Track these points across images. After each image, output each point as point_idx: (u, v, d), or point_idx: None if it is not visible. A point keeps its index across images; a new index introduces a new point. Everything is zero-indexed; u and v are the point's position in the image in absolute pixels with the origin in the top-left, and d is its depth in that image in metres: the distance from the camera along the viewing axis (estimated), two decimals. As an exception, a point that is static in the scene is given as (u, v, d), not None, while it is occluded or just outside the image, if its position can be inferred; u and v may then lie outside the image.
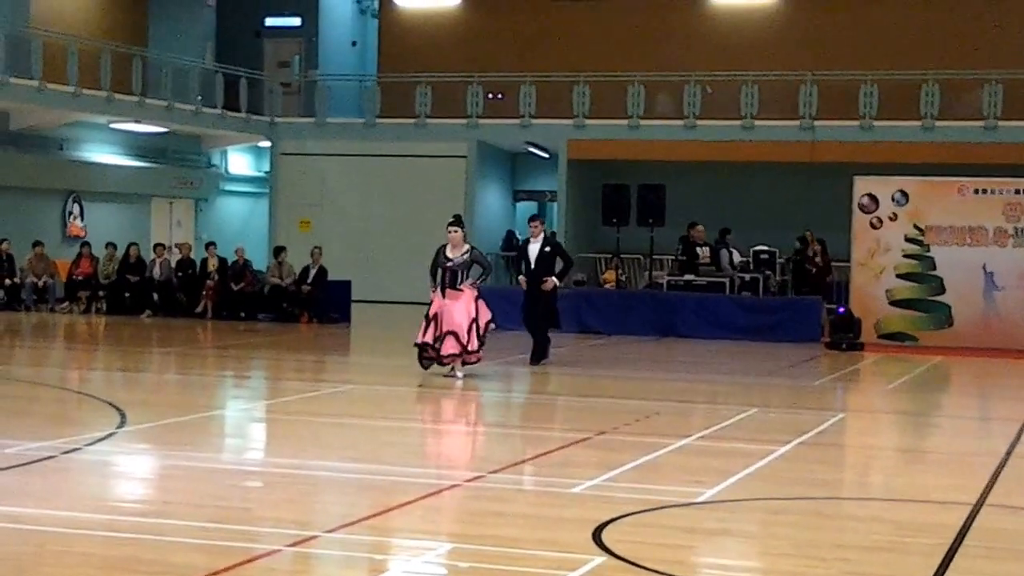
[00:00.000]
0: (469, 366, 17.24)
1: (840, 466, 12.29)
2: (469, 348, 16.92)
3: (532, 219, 19.77)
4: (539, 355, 19.14)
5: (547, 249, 19.12)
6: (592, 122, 33.70)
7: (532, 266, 19.02)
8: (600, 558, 7.69)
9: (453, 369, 17.07)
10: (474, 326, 16.97)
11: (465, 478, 10.15)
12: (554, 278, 18.98)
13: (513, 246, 34.84)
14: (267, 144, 36.80)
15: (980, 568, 7.98)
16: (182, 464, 10.62)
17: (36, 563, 7.40)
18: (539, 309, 19.14)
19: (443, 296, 17.02)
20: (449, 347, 16.92)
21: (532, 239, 19.24)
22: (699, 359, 21.93)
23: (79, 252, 29.69)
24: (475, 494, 9.79)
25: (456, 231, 17.19)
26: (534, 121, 34.19)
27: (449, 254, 17.15)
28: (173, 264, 29.33)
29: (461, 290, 16.97)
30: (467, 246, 17.24)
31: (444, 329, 16.89)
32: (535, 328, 19.30)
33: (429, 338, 17.00)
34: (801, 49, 33.99)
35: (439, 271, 17.17)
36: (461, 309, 16.93)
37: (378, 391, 16.49)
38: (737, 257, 28.08)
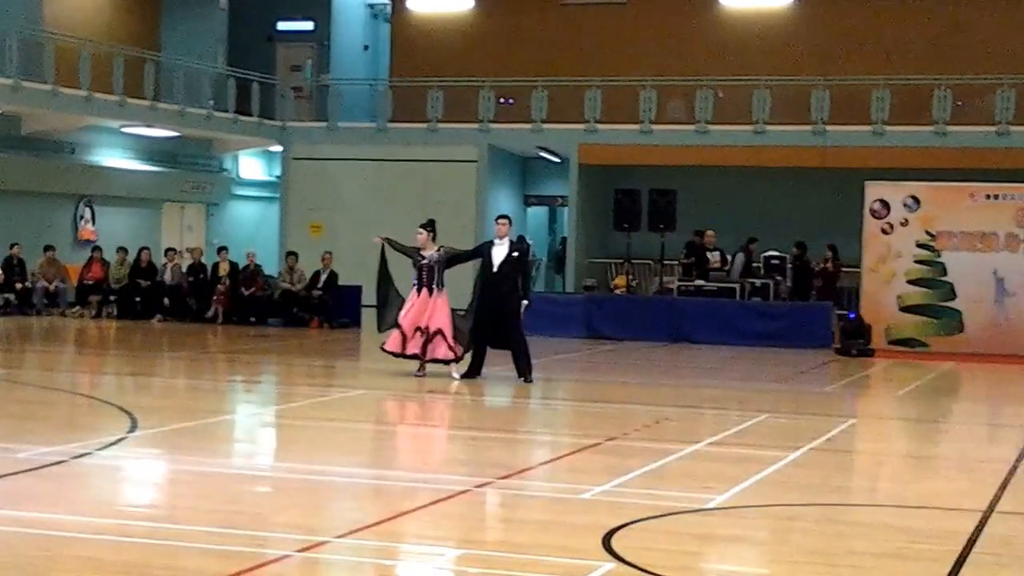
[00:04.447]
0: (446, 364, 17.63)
1: (850, 472, 12.29)
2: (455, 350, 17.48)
3: (500, 218, 18.01)
4: (524, 366, 17.41)
5: (515, 254, 17.45)
6: (604, 127, 33.68)
7: (495, 269, 17.33)
8: (610, 564, 7.69)
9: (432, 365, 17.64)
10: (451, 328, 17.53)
11: (475, 484, 10.15)
12: (525, 302, 17.48)
13: (525, 251, 34.86)
14: (279, 148, 36.83)
15: (989, 575, 7.97)
16: (192, 469, 10.63)
17: (46, 568, 7.42)
18: (507, 324, 17.38)
19: (429, 295, 17.54)
20: (441, 350, 17.38)
21: (497, 240, 17.53)
22: (709, 365, 21.92)
23: (90, 256, 29.77)
24: (485, 500, 9.80)
25: (422, 233, 17.85)
26: (545, 126, 34.17)
27: (424, 252, 17.70)
28: (184, 269, 29.38)
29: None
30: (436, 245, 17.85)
31: (433, 328, 17.36)
32: (490, 341, 17.63)
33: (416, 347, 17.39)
34: (813, 54, 33.96)
35: (418, 271, 17.65)
36: (443, 310, 17.49)
37: (388, 396, 16.50)
38: (741, 262, 28.04)
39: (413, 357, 17.52)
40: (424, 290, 17.52)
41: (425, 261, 17.59)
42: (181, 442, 12.03)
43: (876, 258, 24.54)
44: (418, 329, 17.37)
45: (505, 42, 36.68)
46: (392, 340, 17.59)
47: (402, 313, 17.53)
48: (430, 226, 17.96)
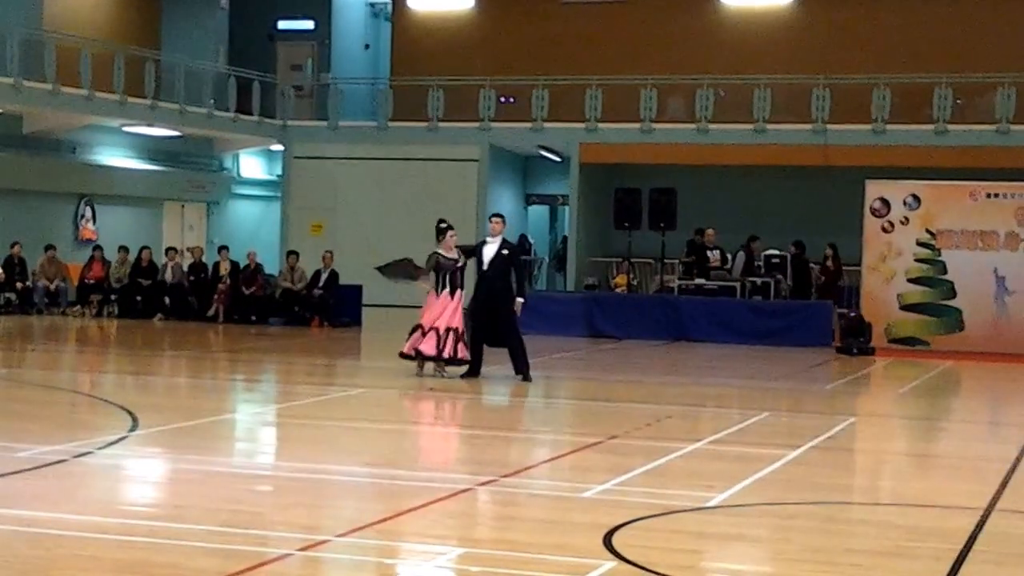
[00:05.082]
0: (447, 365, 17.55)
1: (851, 471, 12.29)
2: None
3: (493, 216, 18.23)
4: (522, 364, 17.43)
5: (504, 252, 17.42)
6: (604, 126, 33.69)
7: (485, 267, 17.43)
8: (611, 563, 7.70)
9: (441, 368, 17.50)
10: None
11: (476, 482, 10.15)
12: (520, 300, 17.41)
13: (526, 250, 34.86)
14: (279, 147, 36.84)
15: (990, 573, 7.99)
16: (193, 468, 10.64)
17: (48, 567, 7.43)
18: (502, 322, 17.35)
19: (452, 297, 17.41)
20: (463, 349, 17.41)
21: (490, 238, 17.62)
22: (710, 363, 21.92)
23: (91, 255, 29.76)
24: (486, 498, 9.80)
25: (454, 233, 17.70)
26: (546, 125, 34.18)
27: (449, 255, 17.55)
28: (185, 268, 29.38)
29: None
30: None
31: (455, 326, 17.33)
32: (489, 341, 17.64)
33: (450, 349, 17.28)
34: (814, 52, 33.95)
35: (445, 273, 17.43)
36: (460, 310, 17.53)
37: (389, 395, 16.50)
38: (742, 260, 28.01)
39: (453, 361, 17.37)
40: (456, 292, 17.43)
41: (460, 264, 17.52)
42: (182, 441, 12.04)
43: (877, 256, 24.56)
44: (450, 330, 17.30)
45: (506, 41, 36.69)
46: (427, 343, 17.29)
47: (429, 317, 17.36)
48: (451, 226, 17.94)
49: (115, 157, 33.78)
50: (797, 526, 9.09)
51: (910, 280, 24.32)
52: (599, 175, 34.05)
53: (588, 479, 10.30)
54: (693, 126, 33.05)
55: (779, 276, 27.79)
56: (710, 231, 28.23)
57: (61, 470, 10.30)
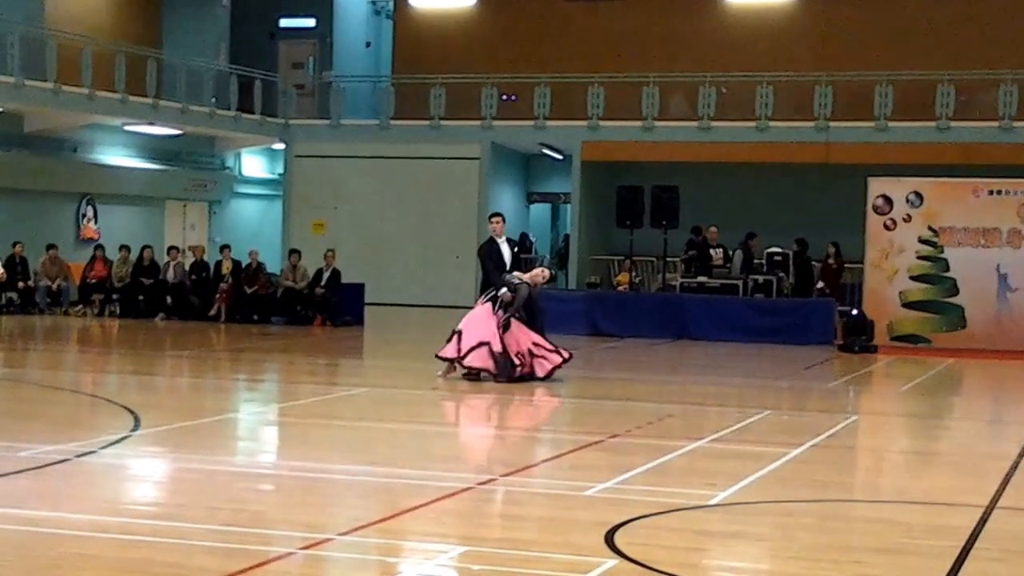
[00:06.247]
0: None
1: (852, 469, 12.29)
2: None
3: (494, 215, 18.25)
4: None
5: (516, 250, 17.76)
6: (606, 124, 33.71)
7: (508, 268, 17.51)
8: (612, 561, 7.70)
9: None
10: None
11: (478, 481, 10.16)
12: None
13: (526, 248, 34.86)
14: (281, 146, 36.86)
15: (991, 571, 7.98)
16: (195, 467, 10.64)
17: (50, 566, 7.43)
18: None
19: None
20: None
21: (497, 238, 17.65)
22: (712, 361, 21.92)
23: (93, 255, 29.75)
24: (487, 497, 9.81)
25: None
26: (548, 123, 34.20)
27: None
28: (187, 267, 29.37)
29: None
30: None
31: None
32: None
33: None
34: (816, 50, 33.98)
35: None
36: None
37: (391, 394, 16.51)
38: (740, 258, 27.98)
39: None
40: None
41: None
42: (184, 440, 12.05)
43: (879, 254, 24.55)
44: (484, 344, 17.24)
45: (507, 39, 36.72)
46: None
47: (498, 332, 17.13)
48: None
49: (116, 156, 33.80)
50: (799, 524, 9.09)
51: (912, 277, 24.31)
52: (601, 173, 34.05)
53: (590, 477, 10.30)
54: (695, 124, 33.07)
55: (781, 274, 27.78)
56: (712, 229, 28.23)
57: (63, 469, 10.31)
